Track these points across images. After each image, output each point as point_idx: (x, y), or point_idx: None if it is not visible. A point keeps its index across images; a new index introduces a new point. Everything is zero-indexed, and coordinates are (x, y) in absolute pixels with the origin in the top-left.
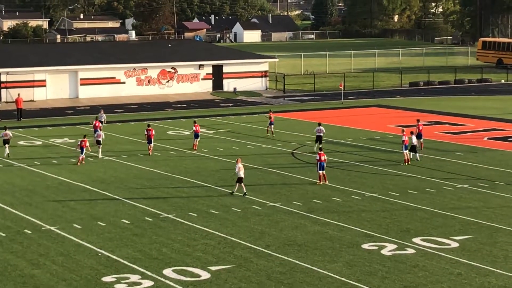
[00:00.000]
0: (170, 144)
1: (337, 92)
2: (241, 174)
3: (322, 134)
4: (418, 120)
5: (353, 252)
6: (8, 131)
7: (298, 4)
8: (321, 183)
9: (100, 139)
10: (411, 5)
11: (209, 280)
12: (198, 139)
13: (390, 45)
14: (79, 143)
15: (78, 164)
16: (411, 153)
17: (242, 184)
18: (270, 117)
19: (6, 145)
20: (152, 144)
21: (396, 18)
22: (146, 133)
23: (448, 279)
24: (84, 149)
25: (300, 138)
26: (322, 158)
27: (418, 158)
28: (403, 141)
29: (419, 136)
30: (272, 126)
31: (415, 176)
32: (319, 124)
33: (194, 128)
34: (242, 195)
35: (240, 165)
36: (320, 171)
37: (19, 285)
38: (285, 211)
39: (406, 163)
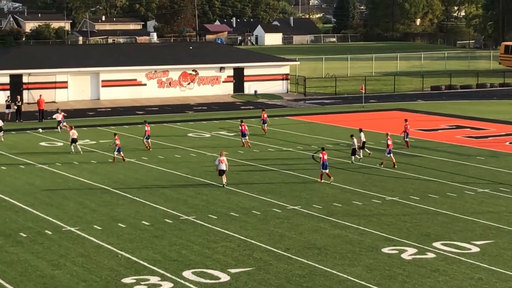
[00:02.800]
0: (190, 146)
1: (358, 95)
2: (223, 167)
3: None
4: (406, 120)
5: (373, 256)
6: (73, 130)
7: (320, 7)
8: (322, 181)
9: (75, 137)
10: (433, 9)
11: (229, 282)
12: (247, 138)
13: (412, 49)
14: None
15: (111, 161)
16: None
17: (224, 176)
18: (262, 116)
19: (74, 144)
20: (149, 140)
21: (418, 21)
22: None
23: (468, 284)
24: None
25: (320, 141)
26: (325, 157)
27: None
28: (388, 144)
29: (406, 136)
30: (265, 124)
31: (436, 180)
32: (361, 131)
33: (240, 128)
34: (222, 186)
35: (222, 158)
36: (323, 170)
37: (39, 286)
38: (305, 214)
39: (394, 166)
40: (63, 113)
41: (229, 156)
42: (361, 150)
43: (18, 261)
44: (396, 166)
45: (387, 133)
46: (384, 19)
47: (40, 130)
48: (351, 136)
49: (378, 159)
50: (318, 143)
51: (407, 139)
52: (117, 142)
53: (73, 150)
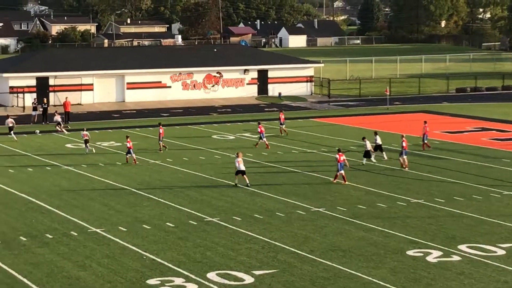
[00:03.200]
0: (214, 148)
1: (382, 97)
2: (242, 167)
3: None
4: (425, 122)
5: (397, 259)
6: (86, 132)
7: (344, 9)
8: (335, 181)
9: (87, 138)
10: (458, 11)
11: (253, 284)
12: (264, 139)
13: (437, 51)
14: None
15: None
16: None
17: (245, 176)
18: (280, 118)
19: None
20: (161, 142)
21: (443, 23)
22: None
23: (494, 287)
24: (132, 150)
25: (345, 144)
26: (341, 158)
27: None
28: (403, 146)
29: (425, 138)
30: (284, 126)
31: (461, 182)
32: (376, 133)
33: (258, 129)
34: (245, 186)
35: (239, 159)
36: (340, 171)
37: (65, 287)
38: (330, 216)
39: (405, 168)
40: (61, 115)
41: (253, 158)
42: (382, 152)
43: (45, 262)
44: (407, 168)
45: (402, 134)
46: (408, 21)
47: (37, 131)
48: (363, 138)
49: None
50: (342, 145)
51: (426, 141)
52: (129, 144)
53: (87, 151)
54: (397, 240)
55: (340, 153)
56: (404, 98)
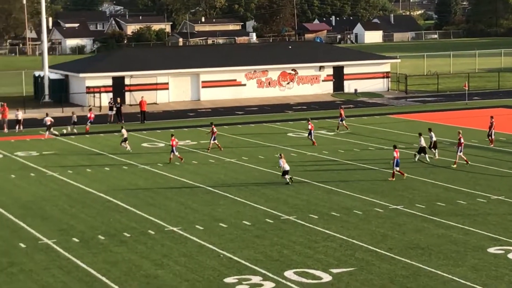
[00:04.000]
0: (290, 146)
1: (461, 92)
2: (286, 167)
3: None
4: (491, 117)
5: (478, 256)
6: (124, 130)
7: (421, 3)
8: (393, 179)
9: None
10: None
11: (331, 282)
12: (311, 136)
13: None
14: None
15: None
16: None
17: (288, 175)
18: (340, 114)
19: (125, 142)
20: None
21: None
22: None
23: None
24: (174, 148)
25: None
26: (397, 155)
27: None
28: (459, 143)
29: (491, 133)
30: (344, 121)
31: None
32: (430, 130)
33: (309, 126)
34: (289, 183)
35: (283, 159)
36: (395, 168)
37: (143, 285)
38: (408, 213)
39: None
40: (50, 118)
41: (329, 156)
42: (436, 150)
43: (122, 261)
44: (455, 166)
45: (459, 131)
46: (487, 14)
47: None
48: (420, 134)
49: (482, 157)
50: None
51: (492, 137)
52: (173, 142)
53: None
54: (478, 238)
55: (396, 150)
56: (483, 93)
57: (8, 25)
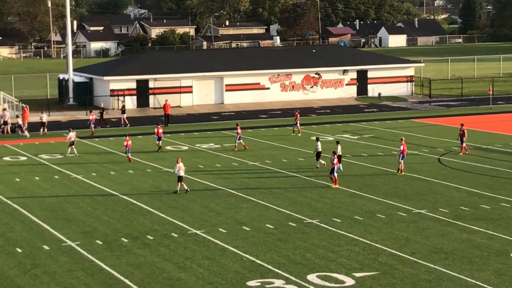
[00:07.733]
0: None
1: (485, 97)
2: (181, 173)
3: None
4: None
5: (502, 261)
6: (72, 133)
7: (445, 7)
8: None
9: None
10: None
11: (354, 286)
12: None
13: None
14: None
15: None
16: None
17: (182, 182)
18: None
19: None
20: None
21: None
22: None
23: None
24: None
25: (446, 144)
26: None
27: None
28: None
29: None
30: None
31: None
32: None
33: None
34: (185, 192)
35: (180, 164)
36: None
37: None
38: (431, 218)
39: (401, 172)
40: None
41: (352, 160)
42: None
43: (146, 263)
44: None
45: (401, 138)
46: None
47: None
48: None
49: (507, 162)
50: (443, 146)
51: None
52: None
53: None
54: (501, 242)
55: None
56: (507, 97)
57: (33, 28)
